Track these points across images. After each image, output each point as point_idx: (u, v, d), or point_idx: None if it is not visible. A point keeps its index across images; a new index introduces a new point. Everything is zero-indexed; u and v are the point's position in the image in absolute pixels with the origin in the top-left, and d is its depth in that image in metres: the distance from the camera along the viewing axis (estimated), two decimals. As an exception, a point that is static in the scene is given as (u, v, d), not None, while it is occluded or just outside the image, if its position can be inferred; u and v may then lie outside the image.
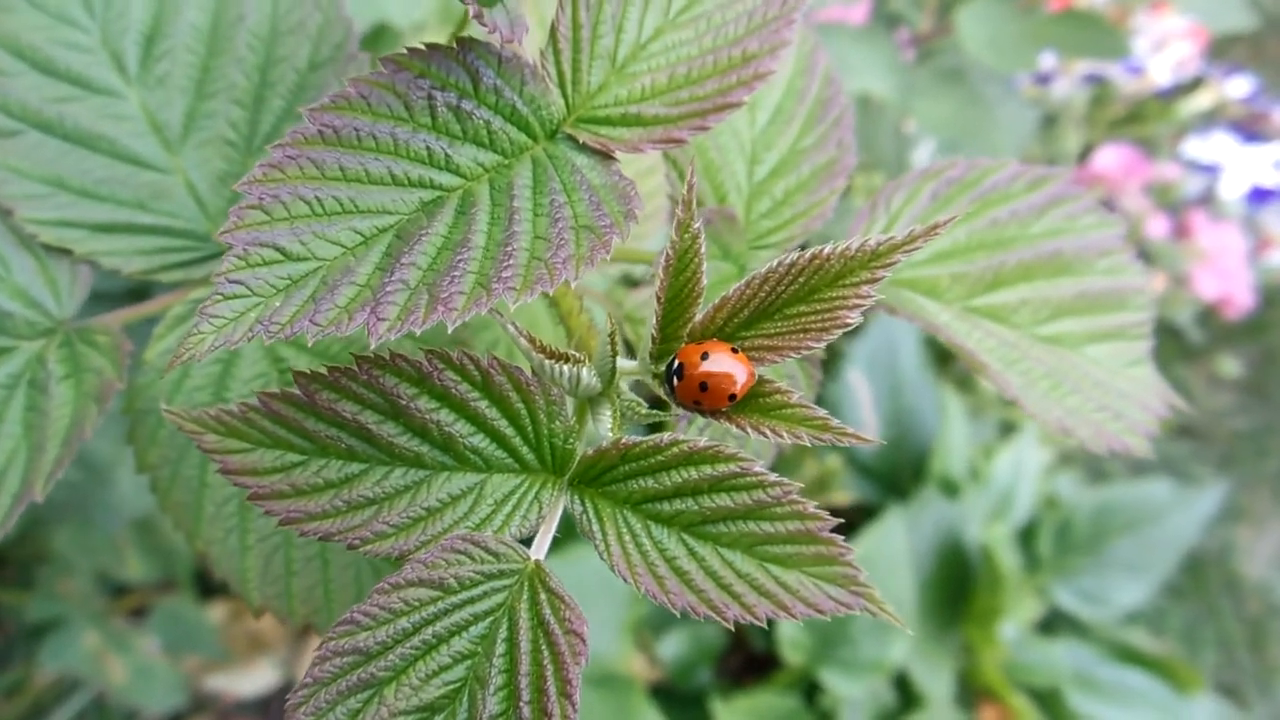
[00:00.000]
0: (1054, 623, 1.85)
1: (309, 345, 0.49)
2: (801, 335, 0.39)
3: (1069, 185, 0.60)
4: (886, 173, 1.45)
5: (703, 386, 0.39)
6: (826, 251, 0.39)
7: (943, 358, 2.00)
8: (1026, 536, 1.80)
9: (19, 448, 0.44)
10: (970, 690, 1.75)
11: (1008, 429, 1.98)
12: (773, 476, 0.39)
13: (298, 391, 0.38)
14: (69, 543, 1.47)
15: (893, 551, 1.57)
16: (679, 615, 0.38)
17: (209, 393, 0.48)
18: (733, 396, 0.40)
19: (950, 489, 1.73)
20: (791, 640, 1.55)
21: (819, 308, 0.39)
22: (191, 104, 0.52)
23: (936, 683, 1.63)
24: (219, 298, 0.35)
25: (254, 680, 1.74)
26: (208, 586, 1.74)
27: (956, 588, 1.74)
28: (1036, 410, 0.54)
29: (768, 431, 0.39)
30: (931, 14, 1.51)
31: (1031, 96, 1.75)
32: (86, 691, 1.65)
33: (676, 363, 0.40)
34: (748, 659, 1.80)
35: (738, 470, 0.39)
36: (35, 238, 0.48)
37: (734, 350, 0.40)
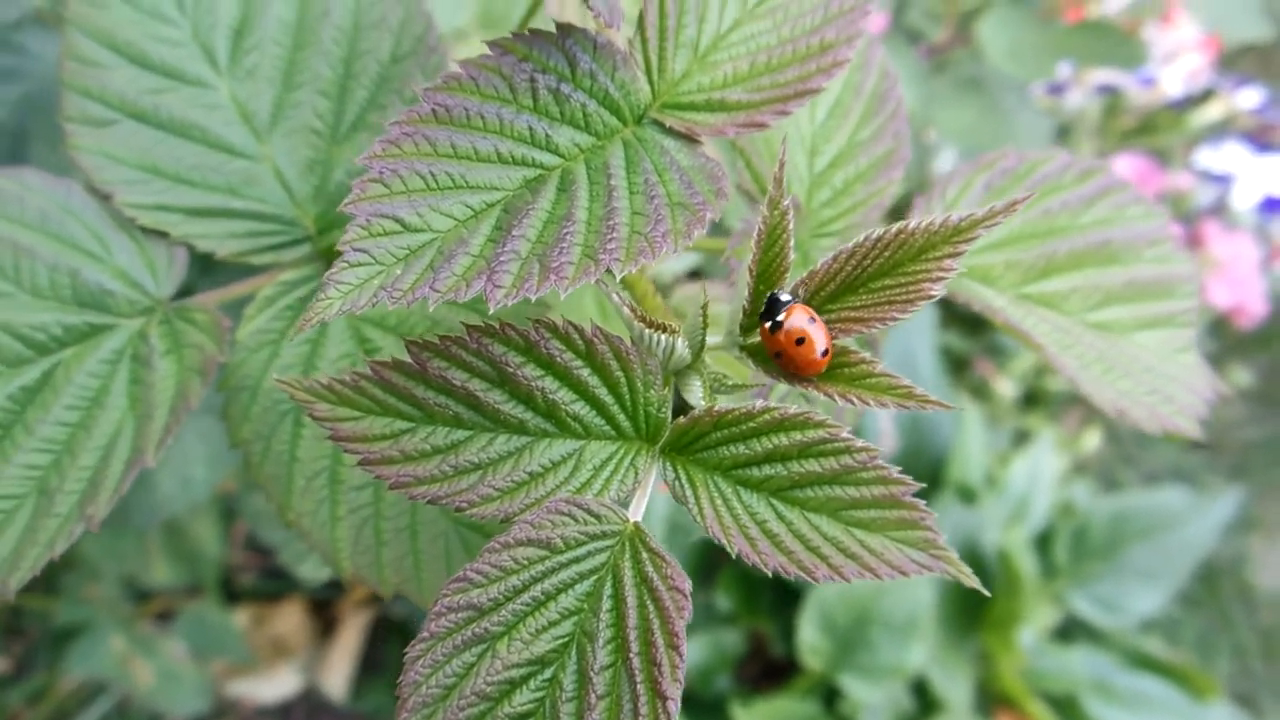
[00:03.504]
0: (1071, 630, 1.85)
1: (398, 318, 0.51)
2: (887, 307, 0.41)
3: (1116, 177, 0.62)
4: (908, 181, 1.47)
5: (777, 355, 0.41)
6: (911, 227, 0.41)
7: (959, 366, 2.02)
8: (1043, 543, 1.81)
9: (125, 418, 0.46)
10: (988, 697, 1.75)
11: (1023, 437, 2.00)
12: (859, 442, 0.40)
13: (409, 359, 0.40)
14: (97, 548, 1.48)
15: (913, 556, 1.58)
16: (771, 574, 0.40)
17: (298, 370, 0.50)
18: (805, 366, 0.42)
19: (967, 496, 1.75)
20: (811, 646, 1.55)
21: (903, 281, 0.41)
22: (279, 94, 0.54)
23: (955, 689, 1.64)
24: (344, 265, 0.36)
25: (276, 686, 1.74)
26: (232, 592, 1.75)
27: (974, 594, 1.74)
28: (1091, 391, 0.55)
29: (854, 399, 0.41)
30: (950, 25, 1.54)
31: (1045, 107, 1.77)
32: (109, 697, 1.65)
33: (782, 317, 0.41)
34: (767, 665, 1.80)
35: (826, 436, 0.40)
36: (134, 221, 0.50)
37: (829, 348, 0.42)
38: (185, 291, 0.56)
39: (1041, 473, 1.82)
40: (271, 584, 1.78)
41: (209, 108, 0.53)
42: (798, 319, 0.41)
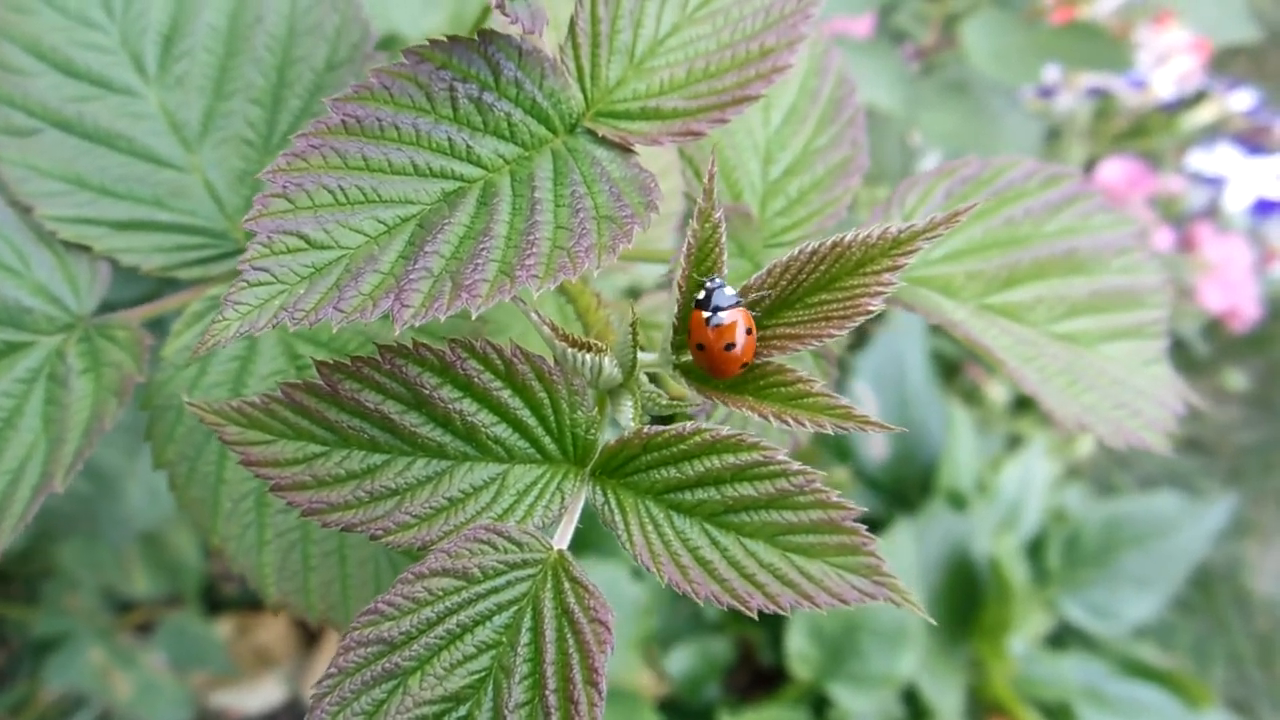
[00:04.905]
0: (1063, 637, 1.84)
1: (332, 333, 0.49)
2: (824, 323, 0.39)
3: (1082, 184, 0.60)
4: (891, 185, 1.45)
5: (700, 348, 0.40)
6: (848, 239, 0.39)
7: (949, 371, 2.00)
8: (1035, 549, 1.79)
9: (38, 440, 0.44)
10: (980, 705, 1.73)
11: (1015, 442, 1.98)
12: (796, 465, 0.39)
13: (320, 382, 0.38)
14: (75, 558, 1.46)
15: (901, 565, 1.57)
16: (702, 604, 0.38)
17: (226, 389, 0.48)
18: (721, 366, 0.40)
19: (958, 502, 1.73)
20: (800, 654, 1.54)
21: (840, 296, 0.39)
22: (210, 103, 0.52)
23: (946, 697, 1.62)
24: (243, 285, 0.35)
25: (260, 696, 1.72)
26: (215, 602, 1.73)
27: (965, 601, 1.73)
28: (1054, 406, 0.54)
29: (790, 420, 0.39)
30: (935, 28, 1.52)
31: (1035, 110, 1.75)
32: (91, 709, 1.64)
33: (724, 316, 0.39)
34: (755, 674, 1.79)
35: (761, 459, 0.39)
36: (55, 234, 0.49)
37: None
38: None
39: (1033, 478, 1.81)
40: (255, 593, 1.76)
41: (136, 117, 0.51)
42: (736, 323, 0.40)
